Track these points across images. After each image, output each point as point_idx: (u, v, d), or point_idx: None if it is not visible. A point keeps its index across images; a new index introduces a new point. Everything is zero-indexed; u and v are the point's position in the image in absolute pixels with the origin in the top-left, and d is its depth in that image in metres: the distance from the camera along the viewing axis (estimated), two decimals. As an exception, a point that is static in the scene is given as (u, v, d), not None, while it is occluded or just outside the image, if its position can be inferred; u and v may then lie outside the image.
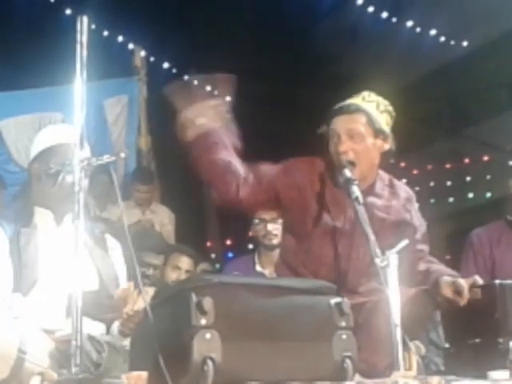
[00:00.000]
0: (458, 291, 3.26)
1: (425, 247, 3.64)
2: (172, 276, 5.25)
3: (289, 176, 3.48)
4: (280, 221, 4.80)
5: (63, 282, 2.87)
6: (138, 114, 8.13)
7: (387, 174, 3.65)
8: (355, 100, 3.50)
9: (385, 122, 3.48)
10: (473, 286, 3.30)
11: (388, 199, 3.55)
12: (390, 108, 3.53)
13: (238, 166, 3.43)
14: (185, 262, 5.32)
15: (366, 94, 3.52)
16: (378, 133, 3.45)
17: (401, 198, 3.59)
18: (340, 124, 3.44)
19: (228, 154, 3.42)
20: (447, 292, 3.29)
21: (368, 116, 3.43)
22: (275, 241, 5.06)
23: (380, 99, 3.52)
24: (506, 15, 12.95)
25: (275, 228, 5.06)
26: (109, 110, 7.84)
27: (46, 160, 3.17)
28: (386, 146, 3.50)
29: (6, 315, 2.77)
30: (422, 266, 3.53)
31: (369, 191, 3.47)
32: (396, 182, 3.65)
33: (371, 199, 3.46)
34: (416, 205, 3.68)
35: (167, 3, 10.31)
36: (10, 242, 3.06)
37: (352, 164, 3.37)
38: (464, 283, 3.28)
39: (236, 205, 3.45)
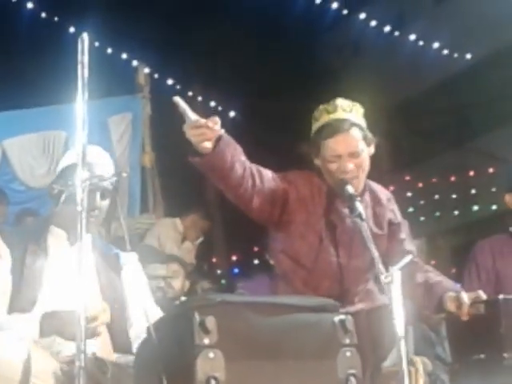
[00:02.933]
0: (460, 306, 3.26)
1: (413, 248, 3.62)
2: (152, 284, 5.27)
3: (292, 186, 3.43)
4: None
5: (64, 302, 2.87)
6: (141, 131, 8.14)
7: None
8: (339, 115, 3.42)
9: (365, 124, 3.48)
10: (476, 301, 3.29)
11: (373, 206, 3.54)
12: (359, 106, 3.49)
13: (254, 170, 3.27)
14: (157, 268, 5.34)
15: (339, 103, 3.44)
16: (367, 140, 3.45)
17: (383, 200, 3.59)
18: (339, 144, 3.37)
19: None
20: (450, 306, 3.29)
21: (360, 128, 3.42)
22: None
23: (351, 103, 3.47)
24: (509, 27, 12.98)
25: None
26: (113, 127, 7.85)
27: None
28: (372, 149, 3.49)
29: (10, 336, 2.76)
30: (420, 277, 3.51)
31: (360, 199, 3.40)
32: (373, 185, 3.63)
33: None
34: (396, 205, 3.67)
35: (171, 21, 10.36)
36: (14, 260, 3.05)
37: (355, 179, 3.37)
38: (466, 299, 3.27)
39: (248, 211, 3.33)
